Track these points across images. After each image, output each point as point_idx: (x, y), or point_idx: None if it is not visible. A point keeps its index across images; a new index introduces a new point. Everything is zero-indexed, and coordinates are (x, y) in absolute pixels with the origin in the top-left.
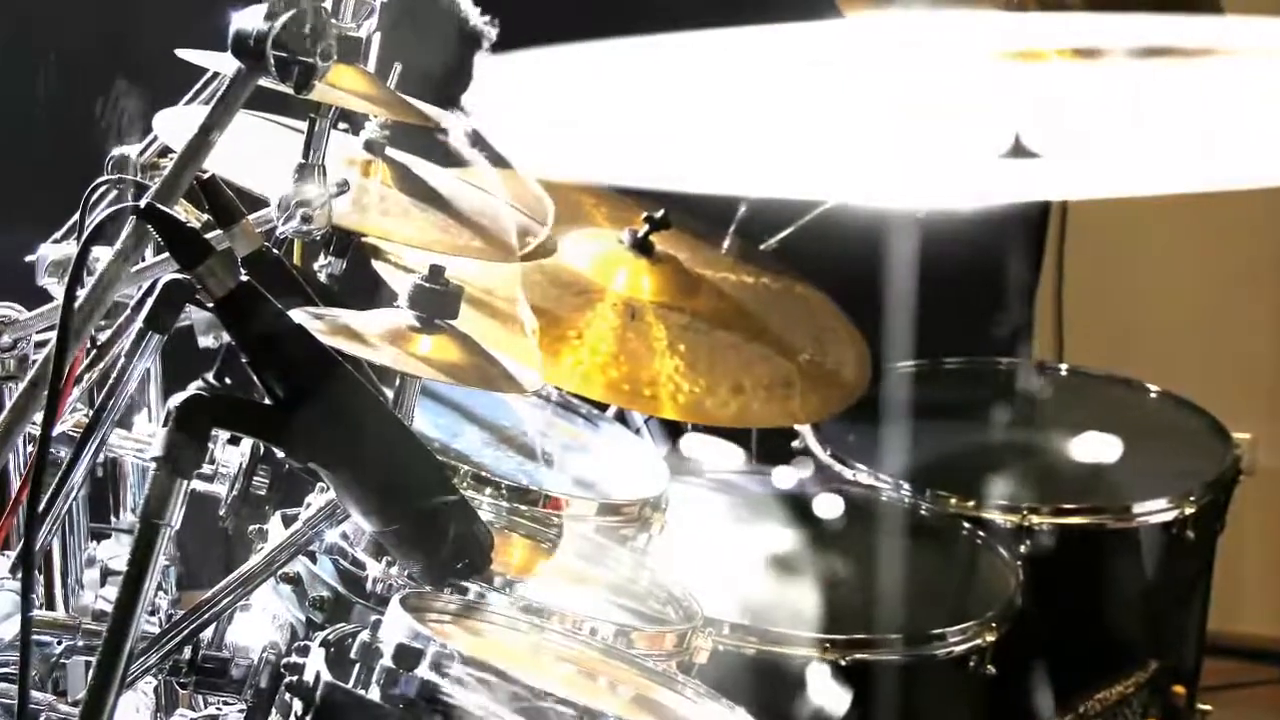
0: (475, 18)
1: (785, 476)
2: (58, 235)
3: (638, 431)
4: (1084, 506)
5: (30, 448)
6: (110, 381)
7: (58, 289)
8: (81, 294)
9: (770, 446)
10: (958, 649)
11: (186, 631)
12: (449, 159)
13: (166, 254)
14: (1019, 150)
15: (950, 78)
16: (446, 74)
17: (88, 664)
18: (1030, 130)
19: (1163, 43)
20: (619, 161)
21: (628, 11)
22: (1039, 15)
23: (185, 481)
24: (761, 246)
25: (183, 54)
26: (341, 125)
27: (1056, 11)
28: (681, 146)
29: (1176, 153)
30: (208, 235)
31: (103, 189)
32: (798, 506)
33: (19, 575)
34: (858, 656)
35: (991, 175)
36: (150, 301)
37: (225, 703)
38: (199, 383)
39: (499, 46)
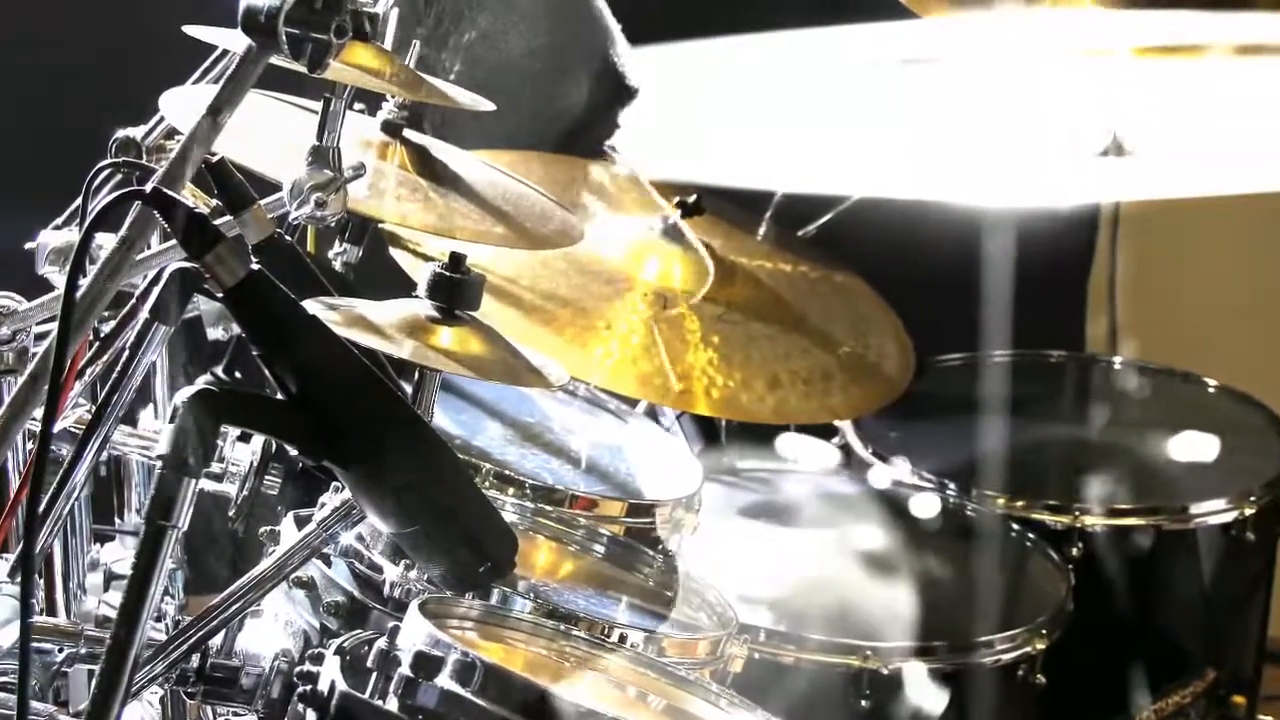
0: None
1: (823, 476)
2: (59, 221)
3: (669, 428)
4: (1138, 507)
5: (30, 445)
6: (114, 375)
7: (59, 278)
8: (84, 283)
9: None
10: (1006, 657)
11: (194, 639)
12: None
13: (173, 241)
14: (1114, 149)
15: (1029, 76)
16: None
17: (90, 673)
18: (1100, 128)
19: (1233, 40)
20: (710, 161)
21: (706, 12)
22: (1109, 12)
23: (193, 481)
24: (799, 233)
25: (191, 31)
26: (357, 106)
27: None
28: (766, 146)
29: (1245, 151)
30: (217, 221)
31: (106, 173)
32: (836, 507)
33: (18, 579)
34: (900, 664)
35: (1073, 174)
36: (156, 291)
37: (235, 714)
38: (207, 377)
39: None
